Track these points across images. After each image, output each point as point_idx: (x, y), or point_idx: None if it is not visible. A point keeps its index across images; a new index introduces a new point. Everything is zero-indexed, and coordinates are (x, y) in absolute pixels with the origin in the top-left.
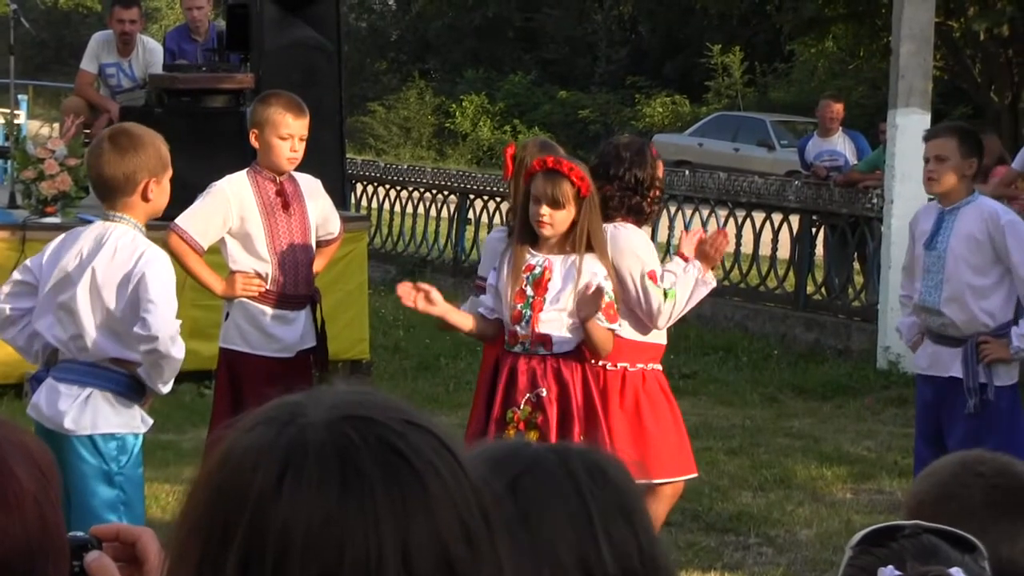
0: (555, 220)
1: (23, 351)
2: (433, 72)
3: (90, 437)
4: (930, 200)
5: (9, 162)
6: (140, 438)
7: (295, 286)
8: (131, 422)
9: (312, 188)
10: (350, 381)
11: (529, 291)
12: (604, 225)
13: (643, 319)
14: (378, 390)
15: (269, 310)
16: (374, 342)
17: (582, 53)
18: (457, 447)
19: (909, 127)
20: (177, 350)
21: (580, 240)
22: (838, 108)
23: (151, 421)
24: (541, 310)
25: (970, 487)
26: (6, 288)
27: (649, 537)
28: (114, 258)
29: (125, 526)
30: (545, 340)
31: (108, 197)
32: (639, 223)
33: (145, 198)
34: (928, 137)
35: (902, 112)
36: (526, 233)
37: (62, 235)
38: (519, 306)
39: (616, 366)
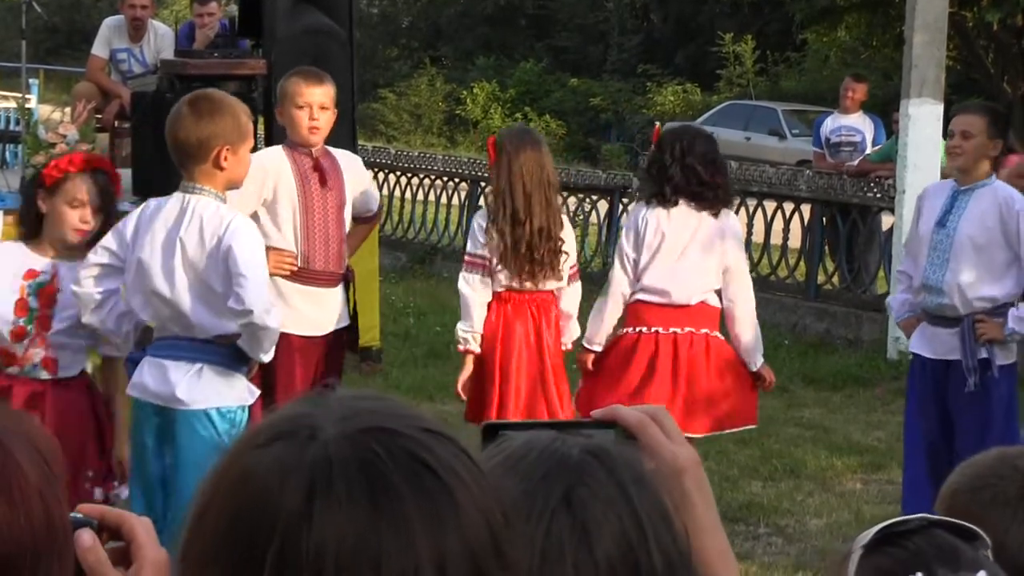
0: None
1: (111, 333)
2: (444, 59)
3: (205, 412)
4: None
5: (20, 146)
6: (247, 410)
7: (325, 263)
8: (242, 395)
9: (351, 164)
10: (356, 384)
11: None
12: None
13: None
14: (383, 395)
15: (300, 287)
16: (384, 330)
17: (594, 41)
18: (473, 452)
19: (921, 117)
20: (273, 319)
21: None
22: (859, 88)
23: (258, 392)
24: None
25: (1006, 479)
26: (89, 272)
27: (680, 529)
28: (202, 233)
29: (108, 509)
30: None
31: (184, 164)
32: None
33: (219, 166)
34: (958, 112)
35: (915, 102)
36: None
37: (136, 211)
38: None
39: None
